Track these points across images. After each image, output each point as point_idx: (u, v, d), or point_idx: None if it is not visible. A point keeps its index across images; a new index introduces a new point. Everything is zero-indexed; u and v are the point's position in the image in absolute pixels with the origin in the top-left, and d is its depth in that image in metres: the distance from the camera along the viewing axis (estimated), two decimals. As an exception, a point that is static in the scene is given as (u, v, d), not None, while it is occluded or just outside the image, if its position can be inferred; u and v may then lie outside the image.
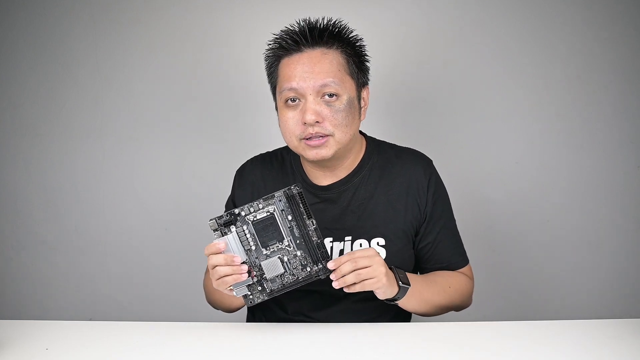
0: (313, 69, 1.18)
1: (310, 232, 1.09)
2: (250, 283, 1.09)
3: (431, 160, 1.33)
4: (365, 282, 1.10)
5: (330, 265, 1.09)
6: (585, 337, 1.06)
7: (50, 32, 2.05)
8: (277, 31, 1.24)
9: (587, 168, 1.98)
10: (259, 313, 1.39)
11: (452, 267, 1.31)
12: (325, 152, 1.19)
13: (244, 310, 1.43)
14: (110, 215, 2.11)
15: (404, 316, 1.34)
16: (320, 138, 1.18)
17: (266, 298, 1.11)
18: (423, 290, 1.21)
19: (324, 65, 1.18)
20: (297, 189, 1.08)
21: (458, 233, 1.35)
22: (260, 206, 1.08)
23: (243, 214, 1.08)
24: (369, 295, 1.26)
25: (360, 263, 1.09)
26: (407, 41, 1.98)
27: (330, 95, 1.18)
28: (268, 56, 1.26)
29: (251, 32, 2.01)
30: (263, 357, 1.02)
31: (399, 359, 1.00)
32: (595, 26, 1.94)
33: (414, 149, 1.36)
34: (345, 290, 1.10)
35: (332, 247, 1.26)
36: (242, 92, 2.02)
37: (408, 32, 1.98)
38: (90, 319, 2.08)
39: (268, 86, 1.30)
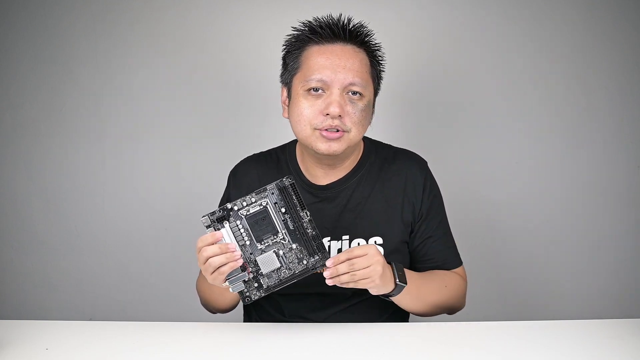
0: (346, 64, 1.17)
1: (304, 224, 1.07)
2: (246, 279, 1.07)
3: (426, 162, 1.34)
4: (359, 281, 1.08)
5: (328, 263, 1.07)
6: (585, 337, 1.06)
7: (50, 32, 2.05)
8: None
9: (587, 168, 1.98)
10: (255, 315, 1.38)
11: (447, 266, 1.31)
12: (338, 146, 1.18)
13: (240, 312, 1.43)
14: (110, 215, 2.11)
15: (402, 317, 1.34)
16: (337, 132, 1.17)
17: (263, 294, 1.09)
18: (419, 287, 1.20)
19: (355, 63, 1.18)
20: (290, 181, 1.07)
21: (452, 235, 1.35)
22: (253, 200, 1.07)
23: (236, 208, 1.06)
24: (367, 296, 1.25)
25: (358, 265, 1.07)
26: (409, 42, 1.98)
27: (354, 93, 1.18)
28: (293, 41, 1.22)
29: (251, 32, 2.01)
30: (262, 357, 1.02)
31: (398, 359, 1.00)
32: (595, 26, 1.94)
33: (410, 150, 1.36)
34: (339, 285, 1.09)
35: (329, 246, 1.26)
36: (242, 92, 2.02)
37: (409, 33, 1.98)
38: (90, 319, 2.08)
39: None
